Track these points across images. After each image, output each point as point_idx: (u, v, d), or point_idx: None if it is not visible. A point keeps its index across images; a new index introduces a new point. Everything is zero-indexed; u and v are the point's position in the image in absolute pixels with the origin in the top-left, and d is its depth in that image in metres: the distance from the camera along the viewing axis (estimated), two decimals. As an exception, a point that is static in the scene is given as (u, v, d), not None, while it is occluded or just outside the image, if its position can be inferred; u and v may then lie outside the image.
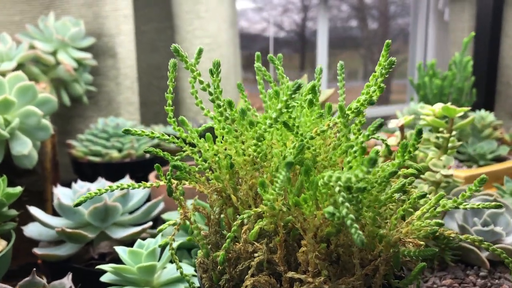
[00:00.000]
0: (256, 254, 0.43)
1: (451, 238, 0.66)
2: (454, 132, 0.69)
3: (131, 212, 0.76)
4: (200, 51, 0.45)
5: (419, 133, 0.37)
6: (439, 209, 0.41)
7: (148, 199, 0.79)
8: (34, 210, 0.70)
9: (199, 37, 1.32)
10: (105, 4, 1.18)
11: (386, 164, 0.42)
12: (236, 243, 0.45)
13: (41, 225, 0.71)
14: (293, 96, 0.36)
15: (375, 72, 0.45)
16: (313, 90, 0.48)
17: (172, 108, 0.46)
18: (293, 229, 0.44)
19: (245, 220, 0.46)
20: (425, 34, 2.21)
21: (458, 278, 0.64)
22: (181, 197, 0.49)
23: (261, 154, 0.44)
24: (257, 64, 0.53)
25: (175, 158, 0.47)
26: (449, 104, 0.68)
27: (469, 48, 1.77)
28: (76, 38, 1.11)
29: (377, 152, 0.31)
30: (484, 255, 0.66)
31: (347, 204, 0.32)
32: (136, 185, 0.47)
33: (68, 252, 0.68)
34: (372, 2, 2.56)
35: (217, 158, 0.46)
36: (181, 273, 0.49)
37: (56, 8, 1.21)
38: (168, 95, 0.45)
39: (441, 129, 0.71)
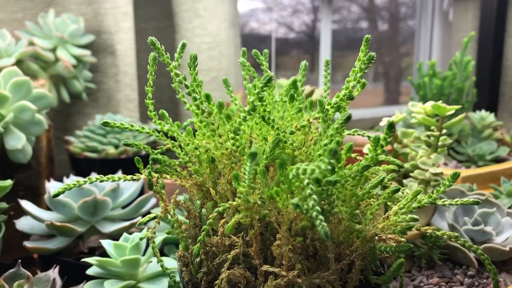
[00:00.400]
0: (233, 248, 0.43)
1: (438, 236, 0.65)
2: (444, 131, 0.69)
3: (123, 207, 0.76)
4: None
5: (391, 127, 0.37)
6: (415, 204, 0.41)
7: (141, 194, 0.80)
8: (25, 204, 0.71)
9: (198, 36, 1.33)
10: (104, 2, 1.19)
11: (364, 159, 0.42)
12: (215, 237, 0.45)
13: (33, 219, 0.72)
14: (264, 88, 0.36)
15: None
16: (294, 85, 0.48)
17: (152, 101, 0.46)
18: (270, 223, 0.44)
19: (225, 214, 0.46)
20: (430, 35, 2.19)
21: (445, 277, 0.64)
22: (162, 191, 0.49)
23: (240, 148, 0.44)
24: (241, 60, 0.53)
25: (155, 151, 0.47)
26: (439, 102, 0.68)
27: (473, 49, 1.76)
28: (75, 35, 1.12)
29: (338, 143, 0.31)
30: (472, 254, 0.66)
31: (314, 196, 0.32)
32: (116, 177, 0.47)
33: (58, 246, 0.68)
34: (382, 4, 2.55)
35: (197, 152, 0.46)
36: (162, 266, 0.50)
37: (57, 6, 1.22)
38: (148, 89, 0.46)
39: (432, 127, 0.71)
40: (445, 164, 1.16)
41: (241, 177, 0.39)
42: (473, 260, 0.65)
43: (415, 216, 0.40)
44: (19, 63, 1.03)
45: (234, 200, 0.44)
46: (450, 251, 0.68)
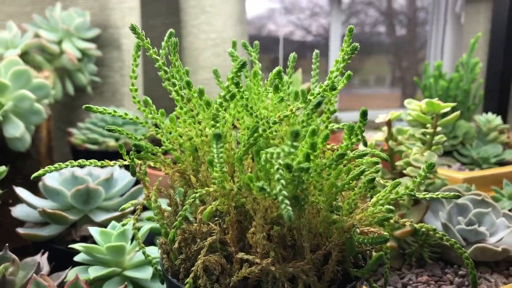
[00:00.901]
0: (211, 235, 0.43)
1: (428, 234, 0.65)
2: (439, 128, 0.68)
3: (120, 197, 0.77)
4: (174, 44, 0.46)
5: (364, 114, 0.36)
6: (392, 196, 0.41)
7: (138, 185, 0.80)
8: (20, 191, 0.72)
9: (204, 32, 1.33)
10: (111, -4, 1.20)
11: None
12: (194, 224, 0.45)
13: (28, 207, 0.72)
14: (238, 73, 0.36)
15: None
16: (279, 75, 0.48)
17: (135, 88, 0.47)
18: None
19: (206, 201, 0.46)
20: (442, 38, 2.17)
21: (435, 275, 0.63)
22: (146, 178, 0.50)
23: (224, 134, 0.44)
24: (230, 50, 0.53)
25: (138, 138, 0.48)
26: (435, 99, 0.67)
27: (483, 51, 1.74)
28: (81, 29, 1.13)
29: (314, 132, 0.31)
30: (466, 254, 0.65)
31: (282, 181, 0.32)
32: (99, 163, 0.47)
33: (51, 233, 0.69)
34: (400, 8, 2.53)
35: (180, 140, 0.46)
36: (144, 253, 0.50)
37: (65, 0, 1.23)
38: (132, 75, 0.46)
39: (428, 125, 0.70)
40: (449, 166, 1.14)
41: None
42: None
43: (391, 207, 0.39)
44: (24, 54, 1.04)
45: (214, 188, 0.44)
46: (443, 250, 0.67)
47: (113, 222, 0.60)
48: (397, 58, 2.56)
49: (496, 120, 1.19)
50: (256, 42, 0.55)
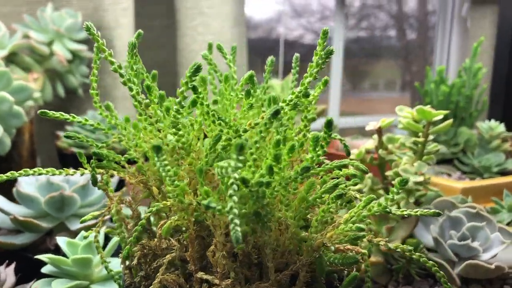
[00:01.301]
0: (170, 252, 0.40)
1: (409, 251, 0.61)
2: (431, 137, 0.64)
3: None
4: (132, 46, 0.43)
5: (329, 124, 0.33)
6: (365, 213, 0.37)
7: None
8: (-6, 197, 0.69)
9: (201, 34, 1.30)
10: (105, -3, 1.18)
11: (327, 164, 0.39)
12: (155, 239, 0.42)
13: (2, 213, 0.70)
14: (193, 78, 0.33)
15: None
16: (251, 80, 0.45)
17: (96, 92, 0.44)
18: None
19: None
20: (449, 42, 2.13)
21: (423, 293, 0.60)
22: (110, 188, 0.47)
23: (185, 145, 0.41)
24: (204, 53, 0.51)
25: (99, 145, 0.45)
26: (428, 107, 0.64)
27: (489, 56, 1.69)
28: (72, 30, 1.11)
29: (246, 139, 0.28)
30: (455, 271, 0.61)
31: (235, 197, 0.29)
32: (57, 171, 0.45)
33: (24, 241, 0.66)
34: (411, 12, 2.49)
35: (143, 148, 0.43)
36: (106, 268, 0.47)
37: (61, 0, 1.21)
38: (92, 78, 0.43)
39: (420, 133, 0.66)
40: (449, 174, 1.10)
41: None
42: (455, 277, 0.60)
43: (362, 226, 0.36)
44: (13, 55, 1.02)
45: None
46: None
47: (83, 232, 0.58)
48: (407, 62, 2.52)
49: (499, 127, 1.15)
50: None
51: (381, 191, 0.72)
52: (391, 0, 2.38)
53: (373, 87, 2.44)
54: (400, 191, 0.35)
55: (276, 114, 0.32)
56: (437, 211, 0.38)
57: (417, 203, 0.70)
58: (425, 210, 0.38)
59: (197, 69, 0.32)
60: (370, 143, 0.71)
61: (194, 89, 0.34)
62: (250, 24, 1.99)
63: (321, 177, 0.43)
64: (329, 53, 0.41)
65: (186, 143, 0.41)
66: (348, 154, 0.51)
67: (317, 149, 0.34)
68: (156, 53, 1.41)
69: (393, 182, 0.63)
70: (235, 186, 0.30)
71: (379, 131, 0.69)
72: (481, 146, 1.16)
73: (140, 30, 0.47)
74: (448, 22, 2.10)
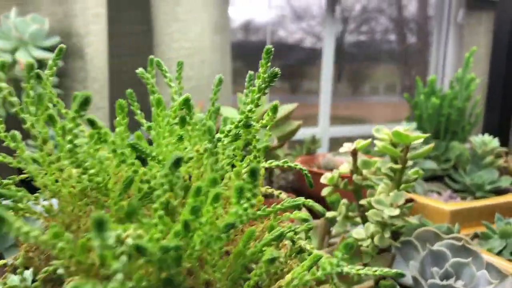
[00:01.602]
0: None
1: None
2: (410, 162, 0.57)
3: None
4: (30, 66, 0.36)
5: (253, 173, 0.26)
6: (308, 277, 0.30)
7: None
8: None
9: (177, 41, 1.23)
10: (75, 2, 1.11)
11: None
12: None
13: None
14: (81, 112, 0.26)
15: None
16: (186, 104, 0.38)
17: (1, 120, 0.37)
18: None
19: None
20: (444, 49, 2.06)
21: None
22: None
23: (101, 185, 0.34)
24: (139, 70, 0.44)
25: (4, 182, 0.38)
26: (405, 128, 0.57)
27: (486, 64, 1.62)
28: (38, 37, 1.04)
29: (128, 184, 0.21)
30: (436, 316, 0.54)
31: (120, 275, 0.22)
32: None
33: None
34: (411, 16, 2.45)
35: (54, 187, 0.36)
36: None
37: (29, 5, 1.14)
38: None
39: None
40: (439, 193, 1.03)
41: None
42: (435, 324, 0.53)
43: (302, 296, 0.29)
44: (-30, 64, 0.95)
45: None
46: (411, 310, 0.56)
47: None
48: (407, 66, 2.48)
49: (493, 142, 1.08)
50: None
51: (358, 219, 0.65)
52: (391, 5, 2.33)
53: (373, 91, 2.39)
54: (346, 253, 0.28)
55: (176, 163, 0.25)
56: (398, 271, 0.31)
57: (397, 234, 0.63)
58: (386, 270, 0.31)
59: (86, 100, 0.25)
60: (345, 166, 0.64)
61: (91, 122, 0.27)
62: (250, 27, 1.94)
63: (268, 219, 0.36)
64: (274, 76, 0.34)
65: (101, 183, 0.34)
66: (311, 186, 0.44)
67: (241, 202, 0.27)
68: (134, 61, 1.34)
69: (366, 213, 0.56)
70: (124, 258, 0.23)
71: (354, 153, 0.62)
72: (474, 162, 1.09)
73: (62, 45, 0.40)
74: (444, 29, 2.04)
